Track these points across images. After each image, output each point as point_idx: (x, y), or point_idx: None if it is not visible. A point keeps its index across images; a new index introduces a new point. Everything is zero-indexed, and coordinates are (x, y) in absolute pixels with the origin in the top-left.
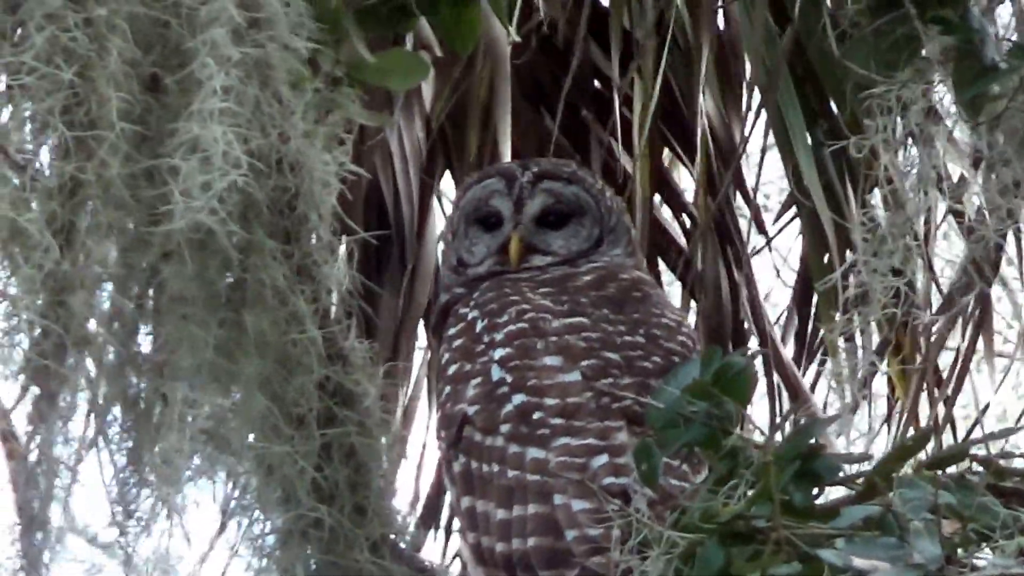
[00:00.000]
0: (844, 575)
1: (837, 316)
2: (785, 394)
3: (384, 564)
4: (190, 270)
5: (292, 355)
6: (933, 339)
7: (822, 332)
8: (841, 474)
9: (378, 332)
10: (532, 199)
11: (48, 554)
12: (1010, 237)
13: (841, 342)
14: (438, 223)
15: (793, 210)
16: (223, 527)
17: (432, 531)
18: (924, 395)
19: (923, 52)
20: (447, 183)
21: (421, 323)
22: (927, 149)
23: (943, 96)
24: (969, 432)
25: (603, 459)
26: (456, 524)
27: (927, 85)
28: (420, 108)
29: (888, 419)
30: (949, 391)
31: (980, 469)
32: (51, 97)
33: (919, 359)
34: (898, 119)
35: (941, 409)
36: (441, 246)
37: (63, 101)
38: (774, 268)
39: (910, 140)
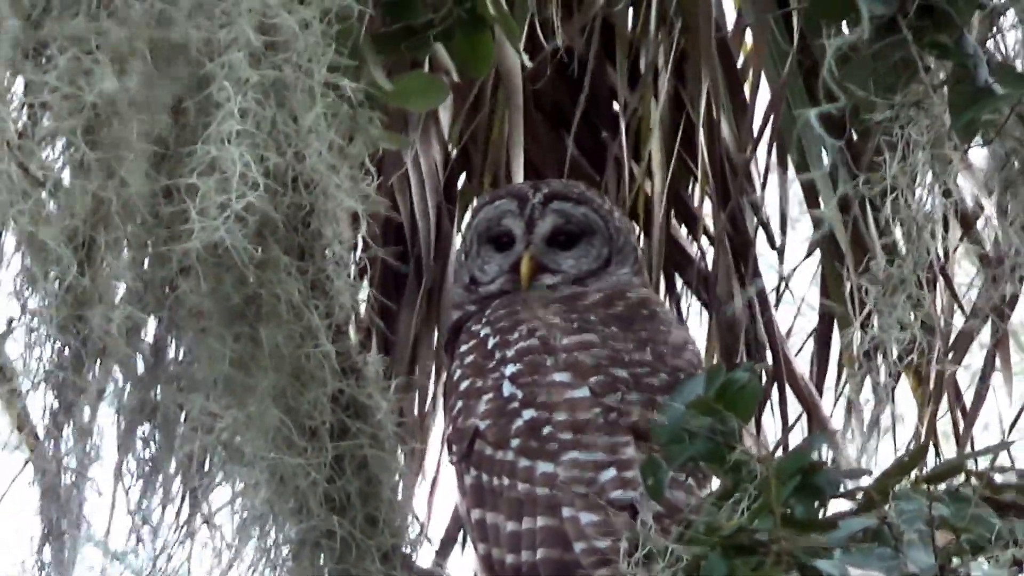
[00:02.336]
0: None
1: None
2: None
3: (395, 574)
4: (207, 285)
5: (306, 368)
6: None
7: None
8: (841, 488)
9: (395, 349)
10: (543, 219)
11: (66, 564)
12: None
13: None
14: (455, 243)
15: (809, 230)
16: (238, 537)
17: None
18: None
19: (920, 76)
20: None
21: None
22: (937, 182)
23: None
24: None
25: (611, 473)
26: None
27: (922, 110)
28: (438, 131)
29: (896, 433)
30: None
31: (976, 483)
32: (73, 117)
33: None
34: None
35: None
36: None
37: (85, 121)
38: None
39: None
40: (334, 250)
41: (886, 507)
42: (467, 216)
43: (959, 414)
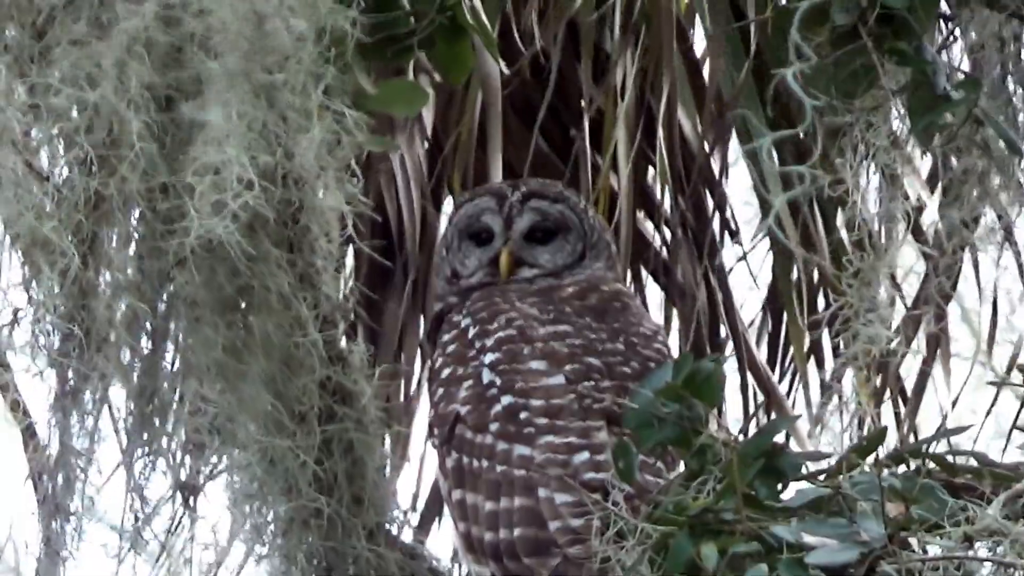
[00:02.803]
0: (796, 551)
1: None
2: (758, 392)
3: (379, 550)
4: (201, 277)
5: (295, 356)
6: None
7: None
8: (803, 470)
9: (382, 338)
10: (521, 216)
11: (68, 539)
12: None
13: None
14: (438, 237)
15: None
16: (231, 515)
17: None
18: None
19: (880, 82)
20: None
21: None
22: (894, 189)
23: (900, 127)
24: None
25: (584, 456)
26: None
27: (881, 115)
28: (421, 130)
29: (847, 417)
30: (911, 394)
31: (932, 465)
32: (76, 117)
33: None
34: (865, 158)
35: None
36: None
37: (87, 120)
38: (752, 278)
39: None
40: (322, 245)
41: (840, 478)
42: (448, 212)
43: (900, 401)
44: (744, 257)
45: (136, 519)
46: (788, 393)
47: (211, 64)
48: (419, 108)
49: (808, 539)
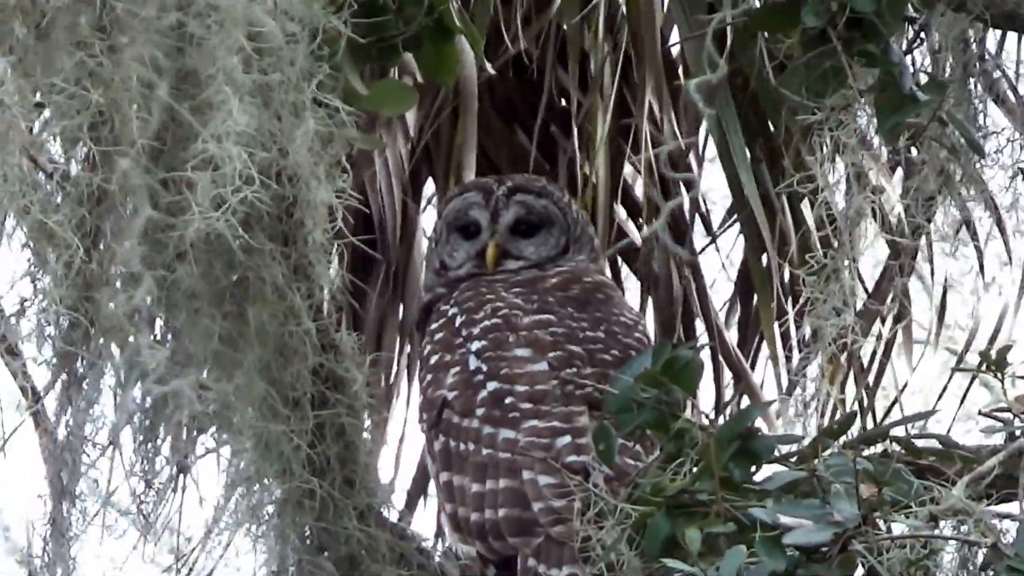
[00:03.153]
0: (772, 531)
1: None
2: (729, 374)
3: (370, 531)
4: (200, 269)
5: (289, 345)
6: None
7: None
8: (776, 453)
9: (365, 325)
10: (507, 210)
11: (75, 522)
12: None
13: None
14: (418, 231)
15: (735, 215)
16: (227, 497)
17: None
18: (851, 381)
19: (849, 82)
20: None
21: (402, 317)
22: (861, 185)
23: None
24: (887, 414)
25: (566, 439)
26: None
27: (850, 114)
28: (403, 127)
29: (818, 403)
30: (871, 378)
31: (898, 448)
32: (79, 115)
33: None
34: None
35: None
36: (425, 251)
37: (90, 119)
38: (721, 265)
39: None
40: (315, 237)
41: (815, 462)
42: (426, 205)
43: (863, 388)
44: (714, 240)
45: (138, 500)
46: (760, 377)
47: (209, 64)
48: (408, 108)
49: (784, 520)
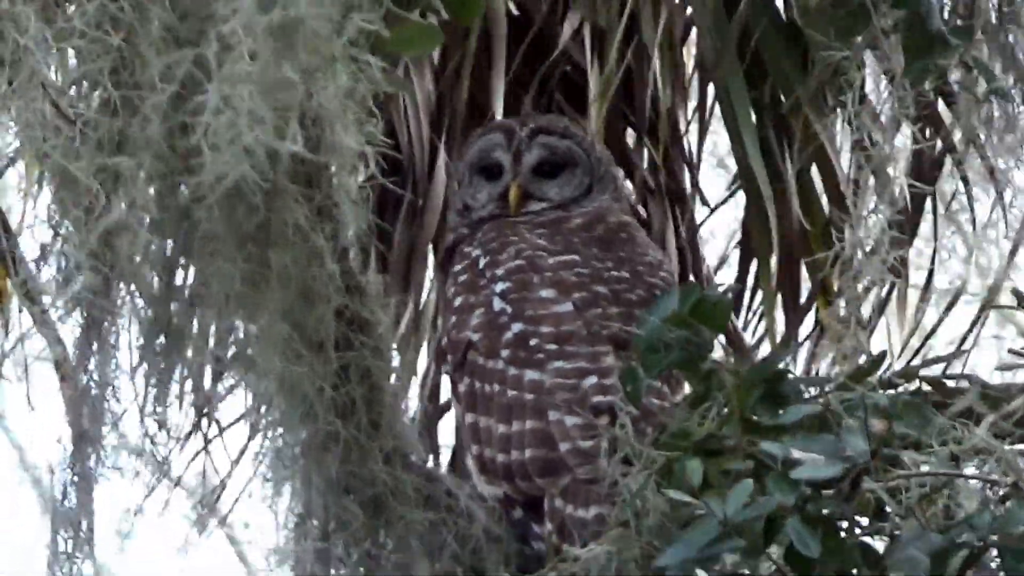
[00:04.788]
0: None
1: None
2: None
3: (396, 473)
4: (220, 212)
5: (313, 287)
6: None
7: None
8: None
9: (391, 264)
10: (529, 152)
11: (97, 466)
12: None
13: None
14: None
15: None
16: (251, 440)
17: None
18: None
19: (874, 22)
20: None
21: (430, 254)
22: (889, 133)
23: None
24: (915, 357)
25: (592, 380)
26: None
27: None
28: (430, 63)
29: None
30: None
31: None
32: (100, 60)
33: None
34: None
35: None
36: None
37: (110, 63)
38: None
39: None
40: (341, 179)
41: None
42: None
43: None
44: (713, 211)
45: (155, 443)
46: (755, 345)
47: (228, 6)
48: (432, 49)
49: (797, 455)
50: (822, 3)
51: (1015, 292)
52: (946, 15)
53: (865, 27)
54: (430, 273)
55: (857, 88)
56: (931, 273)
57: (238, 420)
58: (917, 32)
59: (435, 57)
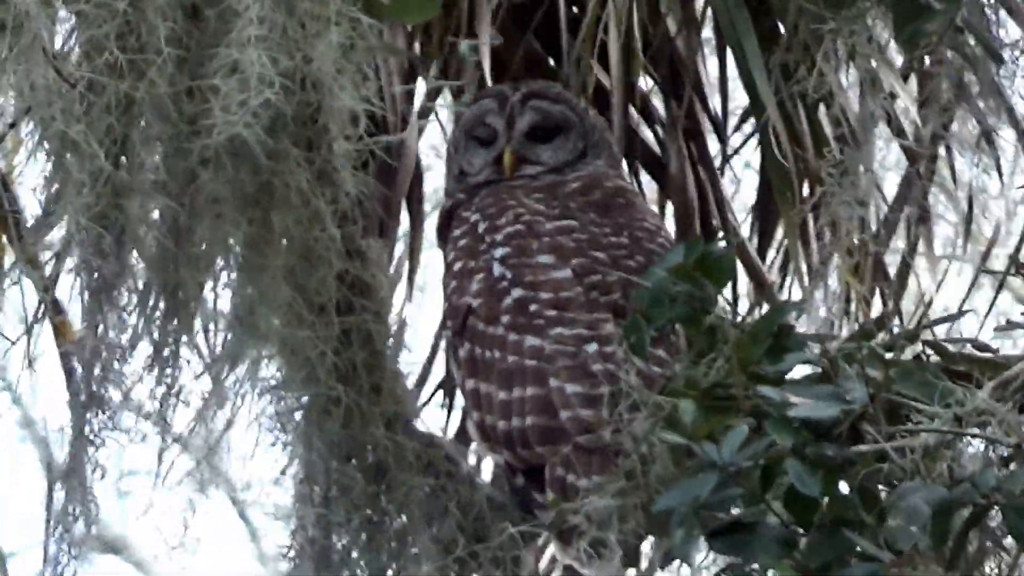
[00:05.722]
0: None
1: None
2: (748, 281)
3: (397, 438)
4: (225, 175)
5: (314, 250)
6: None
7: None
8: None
9: (390, 231)
10: (522, 116)
11: (101, 428)
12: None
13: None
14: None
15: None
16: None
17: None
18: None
19: None
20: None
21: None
22: (875, 94)
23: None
24: (913, 320)
25: (592, 347)
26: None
27: (863, 23)
28: (403, 29)
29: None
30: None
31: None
32: (107, 24)
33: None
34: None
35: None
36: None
37: (117, 28)
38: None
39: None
40: (340, 143)
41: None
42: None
43: (887, 293)
44: (733, 155)
45: (161, 406)
46: (780, 283)
47: None
48: (430, 16)
49: (794, 399)
50: None
51: (1011, 259)
52: None
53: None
54: (404, 230)
55: (844, 56)
56: (929, 238)
57: (240, 383)
58: (906, 2)
59: None
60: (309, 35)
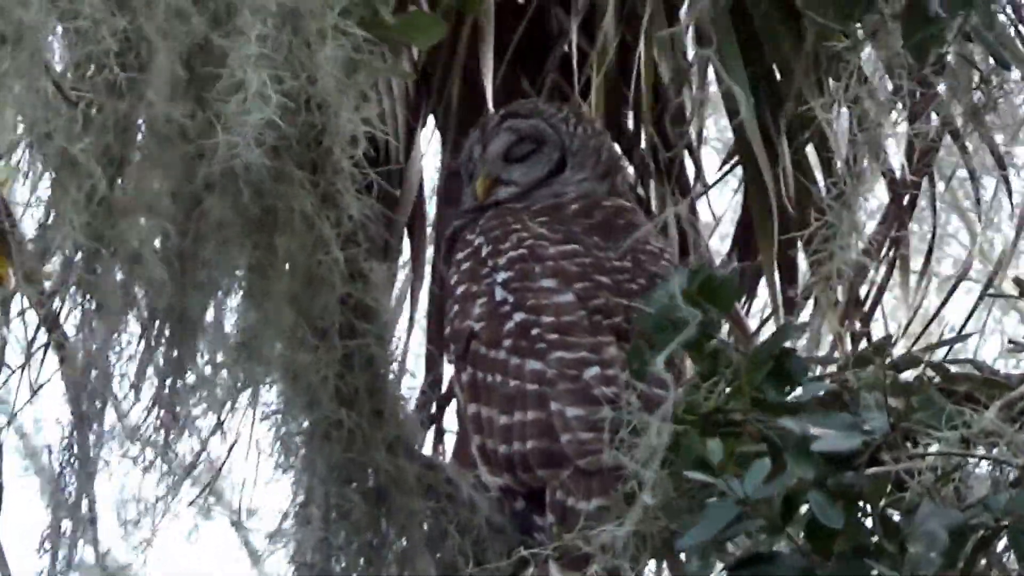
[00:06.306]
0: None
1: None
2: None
3: (398, 462)
4: (228, 199)
5: (317, 274)
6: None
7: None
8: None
9: (393, 255)
10: (496, 139)
11: (98, 452)
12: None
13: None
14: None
15: (735, 158)
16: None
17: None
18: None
19: (877, 5)
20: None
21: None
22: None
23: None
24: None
25: (594, 371)
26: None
27: (881, 39)
28: (408, 52)
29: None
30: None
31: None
32: (106, 41)
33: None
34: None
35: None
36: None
37: (117, 45)
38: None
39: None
40: (343, 166)
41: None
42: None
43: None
44: (707, 190)
45: (163, 431)
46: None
47: None
48: (437, 39)
49: (813, 431)
50: None
51: (1016, 280)
52: None
53: (866, 11)
54: (405, 255)
55: (855, 66)
56: (929, 256)
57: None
58: (916, 14)
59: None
60: (314, 56)
